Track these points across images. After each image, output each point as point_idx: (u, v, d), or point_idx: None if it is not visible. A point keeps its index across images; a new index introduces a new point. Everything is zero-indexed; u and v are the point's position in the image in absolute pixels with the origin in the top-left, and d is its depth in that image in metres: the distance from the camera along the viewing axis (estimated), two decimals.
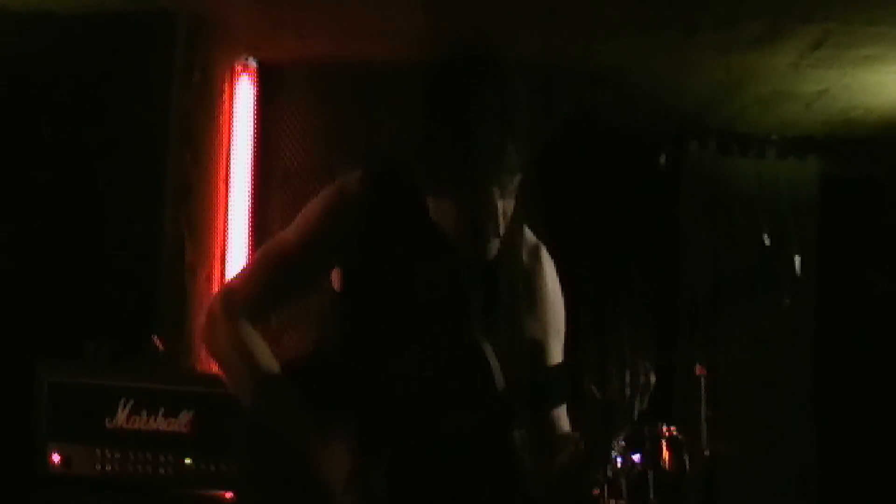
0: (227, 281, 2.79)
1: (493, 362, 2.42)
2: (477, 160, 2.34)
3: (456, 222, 2.43)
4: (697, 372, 5.11)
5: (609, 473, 4.83)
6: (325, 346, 2.65)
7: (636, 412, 2.31)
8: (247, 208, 5.79)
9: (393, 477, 2.38)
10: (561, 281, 2.70)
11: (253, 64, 5.89)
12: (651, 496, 4.78)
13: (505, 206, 2.42)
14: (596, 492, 4.86)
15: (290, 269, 2.60)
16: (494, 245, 2.47)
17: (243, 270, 2.74)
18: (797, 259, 2.22)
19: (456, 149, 2.35)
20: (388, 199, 2.55)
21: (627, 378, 2.27)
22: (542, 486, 2.52)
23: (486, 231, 2.42)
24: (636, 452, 4.81)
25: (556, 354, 2.64)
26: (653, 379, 2.32)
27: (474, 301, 2.52)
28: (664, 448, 4.81)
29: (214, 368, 2.66)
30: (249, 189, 5.82)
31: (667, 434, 4.84)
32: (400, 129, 2.51)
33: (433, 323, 2.50)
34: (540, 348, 2.61)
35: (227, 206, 5.76)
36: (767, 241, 2.25)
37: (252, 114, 5.89)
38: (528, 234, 2.66)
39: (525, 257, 2.63)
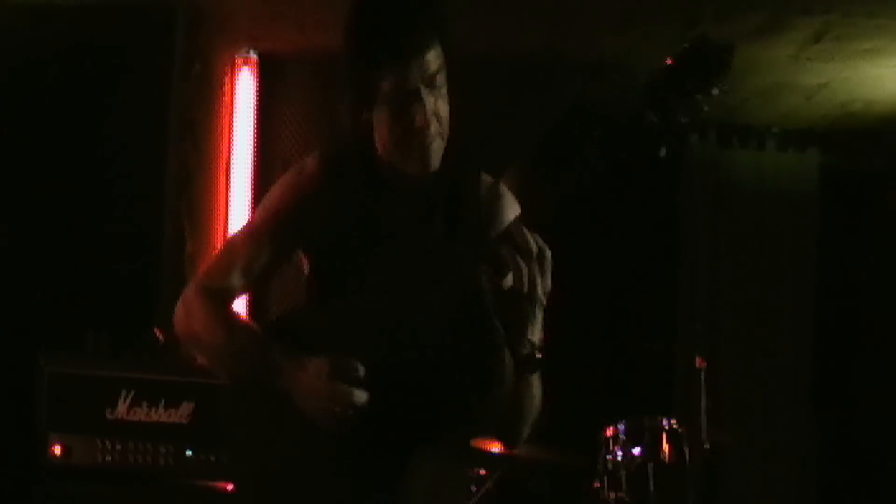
0: (198, 272, 2.81)
1: (462, 270, 2.42)
2: (391, 52, 2.41)
3: (390, 130, 2.48)
4: (697, 364, 5.11)
5: (609, 466, 4.85)
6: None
7: (539, 287, 2.33)
8: (247, 199, 5.78)
9: (371, 379, 2.39)
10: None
11: (253, 55, 5.89)
12: (651, 488, 4.79)
13: (436, 104, 2.46)
14: (596, 484, 4.87)
15: (256, 251, 2.63)
16: (437, 148, 2.50)
17: (213, 255, 2.85)
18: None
19: (364, 40, 2.44)
20: (344, 177, 2.59)
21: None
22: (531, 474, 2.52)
23: (421, 125, 2.45)
24: (636, 445, 4.81)
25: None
26: (548, 254, 2.34)
27: (436, 229, 2.56)
28: (664, 440, 4.82)
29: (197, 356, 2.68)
30: (249, 180, 5.81)
31: (666, 426, 4.85)
32: (346, 82, 2.55)
33: (399, 261, 2.51)
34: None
35: (227, 197, 5.76)
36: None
37: (252, 105, 5.88)
38: (485, 176, 2.67)
39: (485, 192, 2.64)
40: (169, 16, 5.28)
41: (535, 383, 2.47)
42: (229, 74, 5.83)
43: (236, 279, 2.65)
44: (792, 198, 6.91)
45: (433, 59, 2.44)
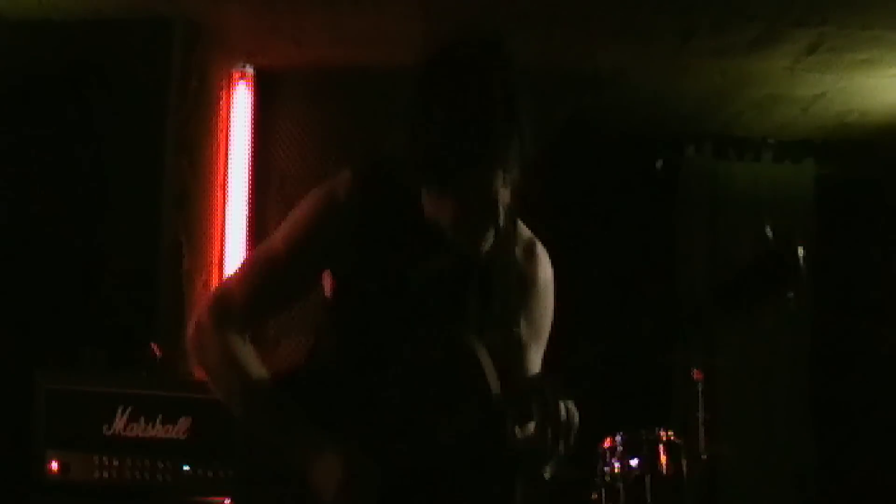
0: (215, 288, 2.71)
1: (488, 365, 2.38)
2: (480, 149, 2.29)
3: (454, 215, 2.41)
4: (695, 376, 5.12)
5: (607, 478, 4.84)
6: (318, 355, 2.60)
7: (560, 451, 2.32)
8: (244, 214, 5.78)
9: (387, 486, 2.36)
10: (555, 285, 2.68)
11: (250, 70, 5.90)
12: (648, 500, 4.78)
13: (504, 197, 2.38)
14: (594, 496, 4.87)
15: (279, 275, 2.54)
16: (491, 236, 2.45)
17: (232, 278, 2.66)
18: (801, 251, 2.20)
19: (456, 137, 2.29)
20: (378, 201, 2.50)
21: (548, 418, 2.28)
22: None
23: (486, 222, 2.40)
24: (634, 457, 4.81)
25: (536, 360, 2.61)
26: (576, 417, 2.32)
27: (469, 301, 2.49)
28: (662, 452, 4.82)
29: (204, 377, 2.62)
30: (247, 195, 5.81)
31: (664, 438, 4.84)
32: (394, 123, 2.43)
33: (426, 326, 2.46)
34: (524, 350, 2.59)
35: (224, 212, 5.75)
36: (770, 233, 2.23)
37: (249, 120, 5.89)
38: (523, 229, 2.63)
39: (519, 252, 2.59)
40: (165, 31, 5.28)
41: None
42: (226, 89, 5.83)
43: (257, 309, 2.58)
44: (788, 208, 6.91)
45: (516, 161, 2.36)
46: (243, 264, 2.68)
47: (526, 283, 2.58)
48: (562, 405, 2.29)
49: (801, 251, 2.27)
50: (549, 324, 2.65)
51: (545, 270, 2.63)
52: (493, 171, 2.33)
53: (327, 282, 2.58)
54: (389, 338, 2.47)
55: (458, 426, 2.36)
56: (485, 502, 2.41)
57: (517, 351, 2.53)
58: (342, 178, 2.53)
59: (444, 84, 2.34)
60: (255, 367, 2.52)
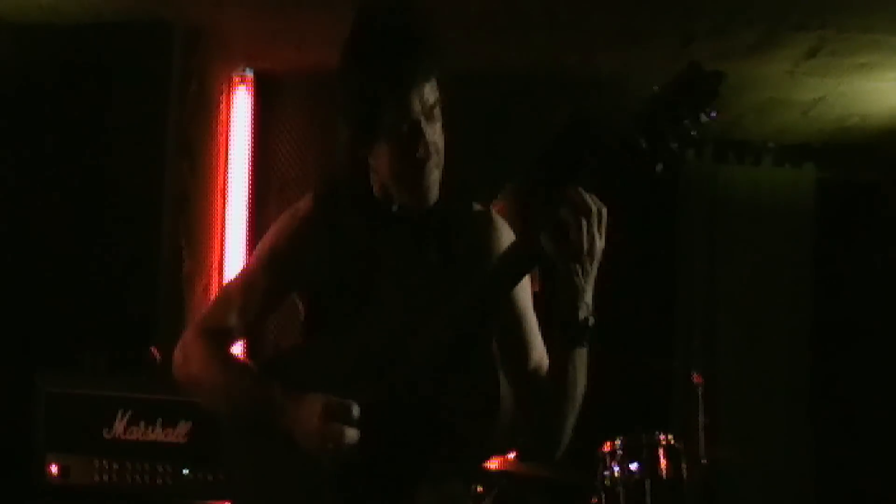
0: (199, 315, 2.83)
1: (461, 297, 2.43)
2: (381, 76, 2.40)
3: (391, 163, 2.48)
4: (695, 380, 5.11)
5: (607, 482, 4.84)
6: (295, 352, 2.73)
7: (598, 244, 2.38)
8: (244, 218, 5.79)
9: (367, 418, 2.39)
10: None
11: (250, 74, 5.90)
12: None
13: (435, 137, 2.47)
14: (594, 500, 4.86)
15: (253, 295, 2.66)
16: (435, 179, 2.50)
17: (213, 302, 2.83)
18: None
19: (363, 73, 2.42)
20: (339, 216, 2.62)
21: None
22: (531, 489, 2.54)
23: (422, 156, 2.46)
24: (633, 461, 4.80)
25: (527, 302, 2.65)
26: (604, 211, 2.38)
27: (433, 262, 2.57)
28: (661, 456, 4.81)
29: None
30: (247, 199, 5.82)
31: (664, 442, 4.83)
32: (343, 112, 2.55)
33: (398, 298, 2.52)
34: (522, 316, 2.63)
35: (224, 216, 5.76)
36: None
37: (249, 124, 5.89)
38: (475, 205, 2.69)
39: (476, 222, 2.65)
40: (165, 35, 5.29)
41: (581, 378, 2.47)
42: (226, 93, 5.84)
43: (233, 322, 2.66)
44: (788, 213, 6.91)
45: (431, 90, 2.45)
46: (224, 287, 2.89)
47: (487, 251, 2.60)
48: (588, 198, 2.36)
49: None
50: (529, 294, 2.67)
51: (506, 235, 2.65)
52: (407, 96, 2.42)
53: (300, 305, 2.70)
54: (357, 313, 2.54)
55: (435, 351, 2.41)
56: (467, 426, 2.42)
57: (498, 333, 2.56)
58: (304, 199, 2.69)
59: (354, 39, 2.49)
60: (237, 363, 2.67)
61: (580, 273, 2.37)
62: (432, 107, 2.46)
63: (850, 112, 6.44)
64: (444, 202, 2.57)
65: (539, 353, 2.61)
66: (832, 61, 5.73)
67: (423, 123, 2.44)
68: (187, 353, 2.64)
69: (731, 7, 5.21)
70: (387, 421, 2.40)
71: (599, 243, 2.37)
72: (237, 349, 2.95)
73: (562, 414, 2.50)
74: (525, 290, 2.64)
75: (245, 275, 2.72)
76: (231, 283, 2.77)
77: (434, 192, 2.52)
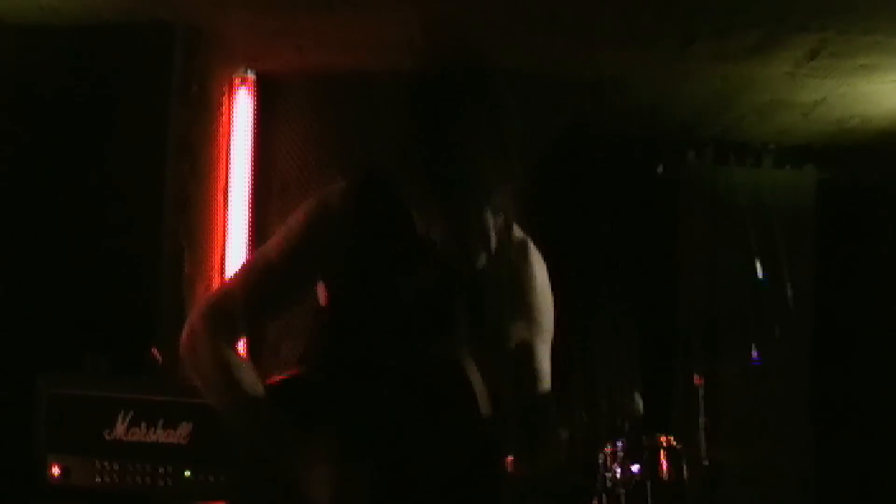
0: (209, 295, 2.73)
1: (477, 382, 2.39)
2: (467, 183, 2.32)
3: (445, 240, 2.43)
4: (695, 382, 5.12)
5: (608, 483, 4.84)
6: (309, 362, 2.62)
7: (623, 433, 2.35)
8: (245, 220, 5.79)
9: (377, 493, 2.37)
10: (553, 289, 2.68)
11: (251, 76, 5.90)
12: None
13: (495, 222, 2.43)
14: (595, 502, 4.86)
15: (272, 284, 2.56)
16: (483, 259, 2.47)
17: (226, 284, 2.70)
18: (789, 292, 2.22)
19: (445, 169, 2.32)
20: (372, 212, 2.52)
21: (618, 408, 2.28)
22: (529, 491, 2.53)
23: (478, 250, 2.43)
24: (635, 462, 4.81)
25: (544, 355, 2.61)
26: (641, 406, 2.33)
27: (460, 315, 2.50)
28: (662, 458, 4.82)
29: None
30: (248, 201, 5.82)
31: (665, 444, 4.84)
32: (389, 140, 2.45)
33: (414, 339, 2.47)
34: (527, 350, 2.57)
35: (225, 217, 5.76)
36: (760, 274, 2.25)
37: (250, 125, 5.89)
38: (516, 230, 2.63)
39: (513, 255, 2.59)
40: (166, 37, 5.29)
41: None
42: (227, 94, 5.84)
43: (250, 315, 2.60)
44: (789, 214, 6.91)
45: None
46: (238, 271, 2.70)
47: (522, 284, 2.59)
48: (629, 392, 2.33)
49: (789, 294, 2.33)
50: (552, 321, 2.65)
51: (541, 270, 2.64)
52: (481, 205, 2.37)
53: (321, 292, 2.60)
54: (377, 349, 2.48)
55: (444, 446, 2.37)
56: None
57: (513, 361, 2.53)
58: (337, 188, 2.57)
59: (436, 108, 2.36)
60: (248, 376, 2.55)
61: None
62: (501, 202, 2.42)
63: (851, 114, 6.44)
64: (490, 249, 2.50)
65: (546, 383, 2.59)
66: (833, 63, 5.73)
67: (490, 221, 2.41)
68: (195, 344, 2.56)
69: (731, 9, 5.20)
70: (395, 487, 2.38)
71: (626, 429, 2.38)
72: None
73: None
74: (546, 346, 2.63)
75: (266, 262, 2.59)
76: (249, 268, 2.65)
77: (482, 266, 2.48)
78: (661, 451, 4.83)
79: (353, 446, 2.40)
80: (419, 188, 2.39)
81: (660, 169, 6.48)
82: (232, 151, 5.83)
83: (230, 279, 2.69)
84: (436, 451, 2.37)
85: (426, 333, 2.48)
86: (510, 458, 2.45)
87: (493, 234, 2.42)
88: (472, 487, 2.38)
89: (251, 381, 2.54)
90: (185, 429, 4.29)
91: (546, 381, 2.57)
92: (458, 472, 2.37)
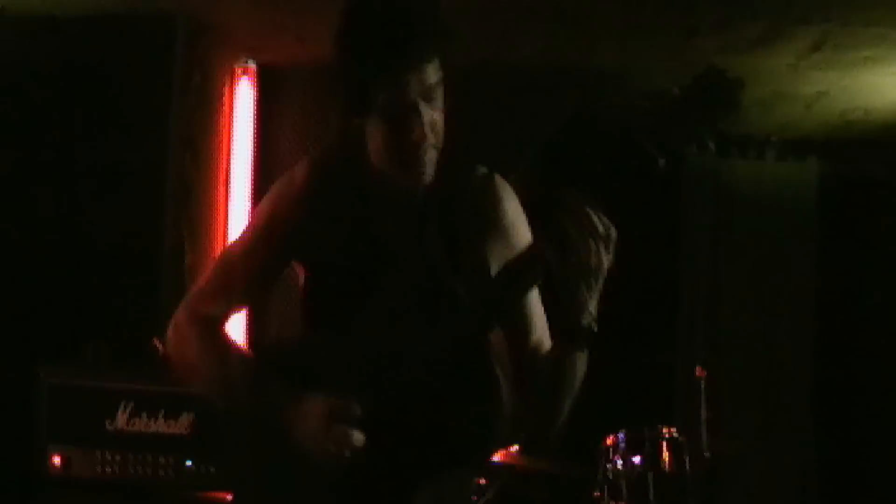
0: (190, 289, 2.76)
1: (462, 297, 2.41)
2: (380, 55, 2.33)
3: (385, 141, 2.43)
4: (697, 373, 5.11)
5: (609, 475, 4.84)
6: (297, 330, 2.66)
7: (603, 266, 2.36)
8: (246, 210, 5.78)
9: (370, 419, 2.37)
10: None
11: (252, 66, 5.89)
12: (651, 498, 4.78)
13: (433, 116, 2.41)
14: (596, 494, 4.86)
15: (247, 266, 2.60)
16: (431, 158, 2.45)
17: (204, 275, 2.72)
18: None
19: (361, 50, 2.35)
20: (334, 180, 2.55)
21: (585, 226, 2.33)
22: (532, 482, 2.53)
23: (417, 141, 2.40)
24: (636, 454, 4.81)
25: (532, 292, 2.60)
26: (613, 230, 2.37)
27: (433, 243, 2.51)
28: (664, 450, 4.81)
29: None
30: (249, 191, 5.82)
31: (667, 436, 4.84)
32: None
33: (396, 283, 2.49)
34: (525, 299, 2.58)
35: (226, 208, 5.76)
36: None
37: (252, 116, 5.89)
38: (479, 168, 2.63)
39: (478, 187, 2.59)
40: (168, 27, 5.28)
41: (581, 366, 2.45)
42: (228, 85, 5.84)
43: (230, 299, 2.63)
44: (791, 207, 6.90)
45: (432, 71, 2.38)
46: (216, 260, 2.74)
47: (490, 214, 2.58)
48: (597, 219, 2.37)
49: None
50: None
51: (510, 200, 2.62)
52: (402, 78, 2.35)
53: (300, 274, 2.63)
54: (359, 296, 2.49)
55: (437, 356, 2.38)
56: (468, 426, 2.40)
57: (495, 294, 2.50)
58: (300, 165, 2.62)
59: (354, 9, 2.42)
60: (232, 345, 2.60)
61: (585, 289, 2.37)
62: (432, 87, 2.39)
63: (854, 106, 6.43)
64: (446, 180, 2.51)
65: (539, 331, 2.59)
66: (836, 55, 5.72)
67: (421, 105, 2.37)
68: (181, 337, 2.60)
69: (734, 1, 5.20)
70: (388, 422, 2.38)
71: (606, 262, 2.37)
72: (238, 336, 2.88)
73: (559, 395, 2.48)
74: None
75: (241, 244, 2.64)
76: (227, 256, 2.69)
77: (429, 173, 2.46)
78: (663, 443, 4.82)
79: (345, 394, 2.40)
80: (351, 91, 2.42)
81: (662, 161, 6.46)
82: (233, 142, 5.82)
83: (209, 270, 2.73)
84: (430, 386, 2.38)
85: (402, 273, 2.50)
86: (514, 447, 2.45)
87: (429, 128, 2.40)
88: (470, 412, 2.38)
89: (236, 348, 2.60)
90: (186, 419, 4.29)
91: (537, 322, 2.60)
92: (451, 378, 2.38)
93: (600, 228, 2.35)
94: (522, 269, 2.39)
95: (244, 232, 2.66)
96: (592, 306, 2.39)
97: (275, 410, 2.45)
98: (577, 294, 2.36)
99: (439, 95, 2.42)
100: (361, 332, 2.46)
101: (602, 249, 2.35)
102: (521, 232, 2.60)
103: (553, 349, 2.50)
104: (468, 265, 2.50)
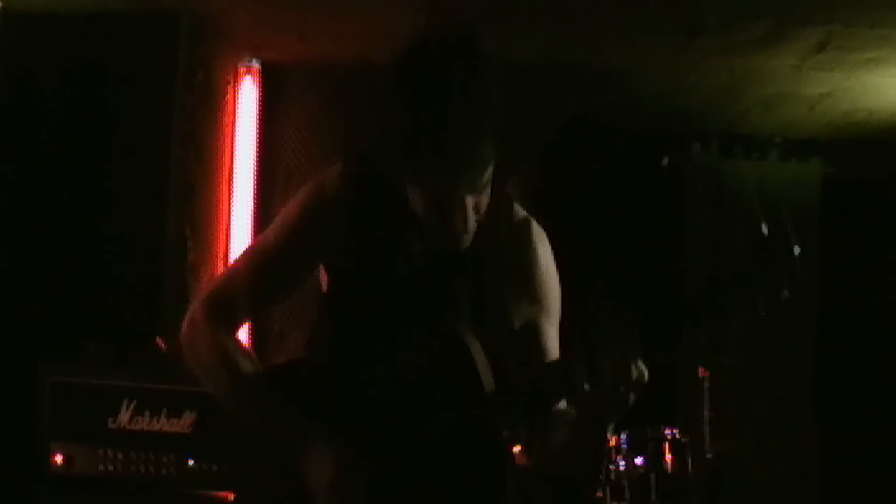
0: (208, 283, 2.74)
1: (480, 360, 2.36)
2: (444, 154, 2.29)
3: (426, 213, 2.42)
4: (700, 374, 5.11)
5: (612, 476, 4.84)
6: (314, 349, 2.63)
7: (628, 406, 2.29)
8: (249, 208, 5.78)
9: (377, 482, 2.36)
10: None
11: (256, 65, 5.89)
12: (653, 498, 4.78)
13: (477, 200, 2.39)
14: (599, 494, 4.86)
15: (271, 270, 2.57)
16: (467, 238, 2.44)
17: (225, 273, 2.73)
18: (796, 249, 2.18)
19: (423, 139, 2.28)
20: (366, 194, 2.52)
21: (620, 374, 2.24)
22: (533, 481, 2.52)
23: (455, 225, 2.40)
24: (639, 455, 4.81)
25: (551, 335, 2.59)
26: (646, 374, 2.28)
27: (459, 292, 2.49)
28: (667, 450, 4.81)
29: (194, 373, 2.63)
30: (252, 189, 5.81)
31: (669, 436, 4.84)
32: (382, 119, 2.41)
33: (417, 320, 2.46)
34: (534, 330, 2.56)
35: (229, 206, 5.76)
36: (766, 231, 2.21)
37: (255, 114, 5.88)
38: (518, 210, 2.61)
39: (513, 235, 2.58)
40: (171, 25, 5.28)
41: None
42: (232, 83, 5.83)
43: (250, 302, 2.60)
44: (794, 207, 6.88)
45: (486, 172, 2.36)
46: (238, 259, 2.71)
47: (524, 264, 2.57)
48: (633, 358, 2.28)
49: (796, 248, 2.23)
50: (558, 301, 2.63)
51: (545, 250, 2.62)
52: (457, 178, 2.33)
53: (323, 276, 2.60)
54: (380, 332, 2.47)
55: (447, 423, 2.35)
56: (472, 500, 2.39)
57: (515, 337, 2.52)
58: (331, 172, 2.57)
59: (415, 81, 2.31)
60: (246, 361, 2.55)
61: (602, 433, 2.40)
62: (483, 185, 2.37)
63: (857, 107, 6.43)
64: (486, 215, 2.47)
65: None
66: (839, 56, 5.72)
67: (468, 198, 2.37)
68: (195, 334, 2.57)
69: (738, 1, 5.20)
70: (395, 489, 2.37)
71: (631, 402, 2.31)
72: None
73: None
74: (553, 327, 2.61)
75: (265, 249, 2.60)
76: (247, 256, 2.66)
77: (465, 245, 2.46)
78: (666, 444, 4.83)
79: (353, 432, 2.40)
80: (401, 162, 2.38)
81: (665, 161, 6.46)
82: (236, 140, 5.82)
83: (230, 267, 2.72)
84: (438, 435, 2.35)
85: (425, 312, 2.48)
86: (517, 448, 2.43)
87: (472, 213, 2.39)
88: (476, 471, 2.36)
89: (251, 367, 2.54)
90: (188, 418, 4.28)
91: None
92: (460, 456, 2.35)
93: (634, 376, 2.26)
94: (550, 381, 2.35)
95: (271, 233, 2.60)
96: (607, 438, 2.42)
97: (282, 441, 2.45)
98: (589, 427, 2.36)
99: (488, 184, 2.39)
100: (377, 375, 2.44)
101: (630, 395, 2.28)
102: (551, 286, 2.61)
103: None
104: (492, 322, 2.49)
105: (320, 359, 2.56)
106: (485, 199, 2.42)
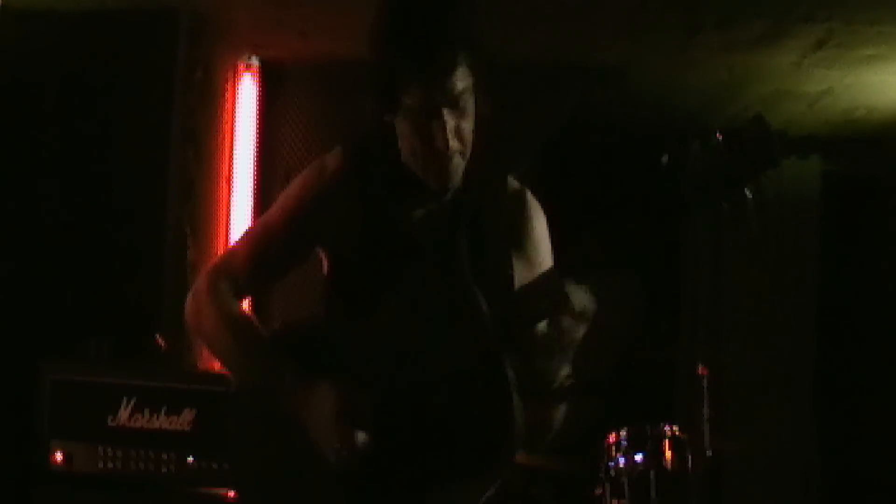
0: (213, 260, 2.80)
1: (484, 304, 2.42)
2: (415, 70, 2.36)
3: (411, 145, 2.46)
4: (699, 372, 5.10)
5: (611, 473, 4.84)
6: (320, 314, 2.69)
7: (575, 339, 2.40)
8: (249, 206, 5.79)
9: (381, 419, 2.38)
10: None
11: (255, 62, 5.89)
12: (653, 496, 4.78)
13: (457, 123, 2.43)
14: (598, 491, 4.86)
15: (272, 246, 2.63)
16: (457, 166, 2.48)
17: (230, 249, 2.79)
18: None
19: (390, 50, 2.40)
20: (366, 171, 2.58)
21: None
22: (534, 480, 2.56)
23: (440, 146, 2.43)
24: (638, 452, 4.80)
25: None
26: (591, 308, 2.41)
27: (460, 247, 2.53)
28: (666, 448, 4.80)
29: (214, 364, 2.67)
30: (251, 187, 5.82)
31: (669, 434, 4.83)
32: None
33: (420, 276, 2.51)
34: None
35: (229, 204, 5.76)
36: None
37: (254, 112, 5.89)
38: (512, 181, 2.66)
39: (509, 202, 2.63)
40: (171, 23, 5.28)
41: (559, 413, 2.51)
42: (231, 81, 5.83)
43: (251, 277, 2.65)
44: (794, 205, 6.90)
45: (460, 78, 2.41)
46: (241, 237, 2.77)
47: (519, 233, 2.62)
48: (574, 299, 2.37)
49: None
50: (552, 267, 2.66)
51: (539, 220, 2.67)
52: (434, 94, 2.39)
53: (323, 260, 2.66)
54: (381, 290, 2.51)
55: (454, 361, 2.39)
56: (480, 437, 2.41)
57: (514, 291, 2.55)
58: (333, 153, 2.64)
59: (388, 10, 2.48)
60: (248, 322, 2.62)
61: (556, 362, 2.43)
62: (458, 94, 2.41)
63: (857, 104, 6.43)
64: (476, 185, 2.54)
65: None
66: (839, 53, 5.72)
67: (446, 112, 2.40)
68: (199, 305, 2.63)
69: None
70: (399, 423, 2.38)
71: (581, 333, 2.40)
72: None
73: (542, 431, 2.56)
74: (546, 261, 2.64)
75: (266, 227, 2.67)
76: (251, 235, 2.71)
77: (454, 178, 2.49)
78: (665, 441, 4.82)
79: (356, 375, 2.42)
80: (377, 92, 2.46)
81: (665, 158, 6.45)
82: (236, 138, 5.83)
83: (233, 244, 2.78)
84: (444, 370, 2.40)
85: (426, 265, 2.53)
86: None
87: (454, 135, 2.43)
88: (483, 403, 2.39)
89: (252, 327, 2.61)
90: (188, 415, 4.28)
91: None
92: (467, 389, 2.39)
93: (574, 308, 2.36)
94: (543, 296, 2.39)
95: (270, 216, 2.67)
96: (564, 371, 2.42)
97: (284, 393, 2.47)
98: (547, 367, 2.41)
99: (468, 103, 2.44)
100: (380, 325, 2.48)
101: (574, 328, 2.37)
102: (545, 252, 2.65)
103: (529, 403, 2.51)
104: (492, 274, 2.51)
105: (320, 320, 2.64)
106: (466, 127, 2.45)
